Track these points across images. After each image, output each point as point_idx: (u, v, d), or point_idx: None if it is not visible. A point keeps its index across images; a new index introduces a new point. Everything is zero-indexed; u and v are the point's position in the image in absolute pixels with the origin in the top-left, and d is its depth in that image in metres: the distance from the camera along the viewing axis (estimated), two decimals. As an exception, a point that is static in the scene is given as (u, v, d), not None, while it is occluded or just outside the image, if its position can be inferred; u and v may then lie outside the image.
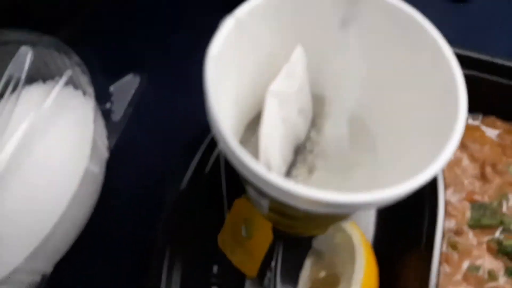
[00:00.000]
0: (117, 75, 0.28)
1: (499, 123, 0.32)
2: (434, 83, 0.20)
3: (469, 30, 0.40)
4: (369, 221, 0.30)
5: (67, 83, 0.31)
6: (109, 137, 0.26)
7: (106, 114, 0.26)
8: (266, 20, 0.21)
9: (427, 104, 0.20)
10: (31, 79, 0.32)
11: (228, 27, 0.19)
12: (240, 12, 0.19)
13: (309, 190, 0.16)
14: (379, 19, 0.21)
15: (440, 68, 0.20)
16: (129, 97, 0.26)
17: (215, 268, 0.29)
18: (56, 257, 0.27)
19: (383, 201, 0.16)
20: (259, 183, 0.17)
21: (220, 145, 0.18)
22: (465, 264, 0.28)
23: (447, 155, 0.17)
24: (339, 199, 0.16)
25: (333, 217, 0.23)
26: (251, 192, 0.23)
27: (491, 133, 0.32)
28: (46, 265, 0.26)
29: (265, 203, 0.22)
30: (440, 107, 0.19)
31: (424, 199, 0.26)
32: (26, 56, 0.30)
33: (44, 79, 0.33)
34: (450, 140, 0.17)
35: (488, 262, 0.28)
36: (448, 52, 0.20)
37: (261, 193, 0.20)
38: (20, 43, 0.30)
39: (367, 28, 0.22)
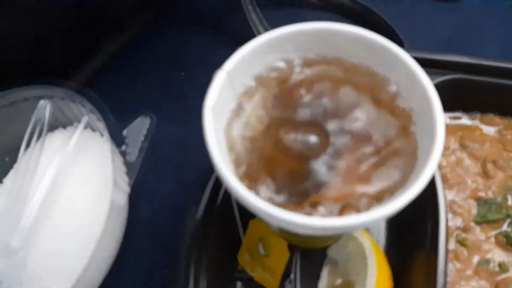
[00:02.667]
0: (128, 118, 0.31)
1: (497, 119, 0.33)
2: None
3: (459, 29, 0.41)
4: (380, 228, 0.31)
5: (85, 127, 0.34)
6: (129, 176, 0.28)
7: (122, 155, 0.28)
8: (251, 66, 0.23)
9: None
10: (52, 127, 0.35)
11: (219, 79, 0.21)
12: (229, 65, 0.22)
13: (305, 219, 0.18)
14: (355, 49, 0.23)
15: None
16: (141, 138, 0.29)
17: (239, 285, 0.31)
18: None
19: (373, 221, 0.18)
20: (261, 215, 0.19)
21: (224, 184, 0.20)
22: (475, 259, 0.29)
23: (422, 183, 0.18)
24: (334, 224, 0.18)
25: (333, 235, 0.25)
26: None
27: (491, 130, 0.33)
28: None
29: (275, 227, 0.24)
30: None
31: (425, 202, 0.27)
32: (45, 109, 0.32)
33: (64, 126, 0.36)
34: (432, 154, 0.19)
35: (498, 255, 0.29)
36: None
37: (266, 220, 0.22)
38: (38, 98, 0.32)
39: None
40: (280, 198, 0.22)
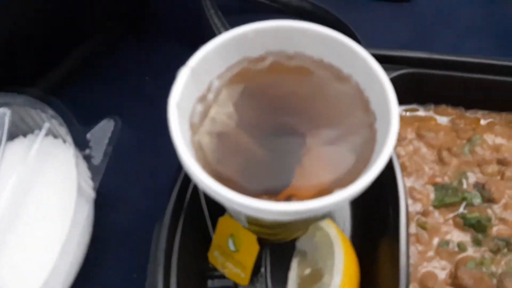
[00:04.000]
0: (92, 122, 0.30)
1: (450, 110, 0.35)
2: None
3: (417, 28, 0.43)
4: (345, 217, 0.32)
5: (46, 134, 0.33)
6: (93, 180, 0.28)
7: (87, 159, 0.28)
8: (215, 64, 0.23)
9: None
10: (12, 136, 0.34)
11: (183, 76, 0.22)
12: (192, 62, 0.22)
13: (266, 204, 0.18)
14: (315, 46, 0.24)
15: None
16: (105, 141, 0.29)
17: (209, 283, 0.31)
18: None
19: (332, 205, 0.19)
20: (223, 201, 0.20)
21: (194, 180, 0.20)
22: (435, 241, 0.30)
23: (379, 166, 0.19)
24: (298, 208, 0.18)
25: (305, 221, 0.25)
26: (229, 210, 0.25)
27: (444, 120, 0.35)
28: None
29: (242, 217, 0.25)
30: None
31: (386, 189, 0.28)
32: (4, 117, 0.32)
33: (24, 134, 0.35)
34: (386, 147, 0.20)
35: (456, 236, 0.31)
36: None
37: (236, 211, 0.23)
38: (-1, 105, 0.32)
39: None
40: (251, 191, 0.22)
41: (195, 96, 0.23)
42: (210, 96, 0.24)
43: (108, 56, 0.41)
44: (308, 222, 0.27)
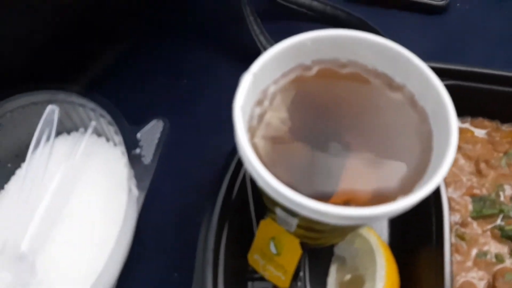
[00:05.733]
0: (138, 122, 0.31)
1: (486, 122, 0.36)
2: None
3: (448, 40, 0.44)
4: (383, 225, 0.33)
5: (92, 133, 0.34)
6: (143, 179, 0.29)
7: (137, 159, 0.29)
8: (273, 70, 0.24)
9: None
10: (56, 133, 0.34)
11: (247, 81, 0.22)
12: (255, 68, 0.23)
13: (337, 208, 0.19)
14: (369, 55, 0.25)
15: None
16: (155, 141, 0.29)
17: (249, 284, 0.31)
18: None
19: (398, 211, 0.19)
20: (292, 206, 0.20)
21: (255, 178, 0.21)
22: (474, 252, 0.31)
23: (443, 172, 0.20)
24: (363, 213, 0.19)
25: (355, 226, 0.26)
26: (279, 213, 0.26)
27: (481, 132, 0.36)
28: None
29: (293, 221, 0.25)
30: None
31: (429, 199, 0.29)
32: (53, 114, 0.32)
33: (68, 131, 0.36)
34: (447, 154, 0.21)
35: (494, 247, 0.31)
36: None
37: (292, 213, 0.23)
38: (47, 102, 0.32)
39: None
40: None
41: (253, 100, 0.24)
42: (266, 100, 0.25)
43: (144, 57, 0.42)
44: (356, 227, 0.28)
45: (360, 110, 0.25)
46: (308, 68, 0.26)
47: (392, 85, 0.25)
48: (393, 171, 0.23)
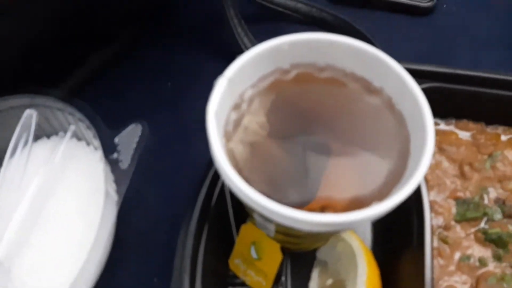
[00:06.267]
0: (118, 126, 0.31)
1: (471, 125, 0.36)
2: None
3: (435, 41, 0.44)
4: (366, 229, 0.33)
5: (71, 137, 0.34)
6: (119, 184, 0.28)
7: (114, 163, 0.28)
8: (249, 74, 0.24)
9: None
10: (35, 137, 0.34)
11: (221, 86, 0.22)
12: (229, 72, 0.22)
13: (311, 215, 0.18)
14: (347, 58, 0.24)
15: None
16: (133, 145, 0.29)
17: (230, 290, 0.31)
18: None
19: (372, 217, 0.19)
20: (266, 213, 0.20)
21: (228, 185, 0.20)
22: (457, 255, 0.30)
23: (419, 177, 0.20)
24: (336, 220, 0.19)
25: (333, 232, 0.26)
26: (257, 218, 0.25)
27: (466, 135, 0.35)
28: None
29: (271, 227, 0.25)
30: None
31: (410, 203, 0.29)
32: (31, 118, 0.32)
33: (48, 136, 0.35)
34: (423, 158, 0.20)
35: (477, 251, 0.31)
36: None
37: (268, 219, 0.23)
38: (25, 107, 0.32)
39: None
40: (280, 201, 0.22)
41: (229, 105, 0.24)
42: (244, 105, 0.24)
43: (128, 60, 0.42)
44: (336, 232, 0.28)
45: (339, 115, 0.25)
46: (286, 72, 0.26)
47: (370, 88, 0.25)
48: (371, 176, 0.23)
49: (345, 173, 0.24)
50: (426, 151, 0.21)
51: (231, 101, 0.24)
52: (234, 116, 0.24)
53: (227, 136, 0.23)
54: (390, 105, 0.24)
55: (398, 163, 0.22)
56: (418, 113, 0.22)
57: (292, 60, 0.25)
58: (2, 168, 0.32)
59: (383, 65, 0.24)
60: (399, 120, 0.23)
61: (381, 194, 0.21)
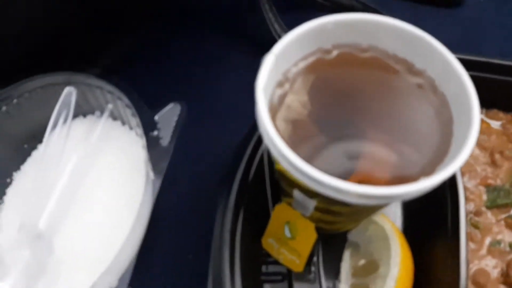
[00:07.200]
0: (156, 106, 0.31)
1: (501, 114, 0.36)
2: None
3: (464, 32, 0.44)
4: (396, 213, 0.33)
5: (108, 116, 0.34)
6: (160, 161, 0.29)
7: (155, 140, 0.29)
8: (294, 52, 0.24)
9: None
10: (74, 115, 0.35)
11: (269, 62, 0.22)
12: (276, 49, 0.23)
13: (358, 187, 0.19)
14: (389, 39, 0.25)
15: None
16: (173, 123, 0.29)
17: (263, 268, 0.32)
18: (121, 272, 0.30)
19: (419, 192, 0.19)
20: (313, 184, 0.20)
21: (275, 156, 0.21)
22: (487, 240, 0.31)
23: (466, 154, 0.20)
24: (384, 192, 0.19)
25: (372, 209, 0.26)
26: (297, 195, 0.26)
27: (495, 124, 0.36)
28: (114, 279, 0.29)
29: (311, 204, 0.25)
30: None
31: (444, 187, 0.29)
32: (71, 96, 0.33)
33: (84, 114, 0.36)
34: (468, 140, 0.21)
35: (508, 236, 0.31)
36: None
37: (310, 194, 0.24)
38: (64, 84, 0.33)
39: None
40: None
41: (275, 81, 0.24)
42: (287, 83, 0.25)
43: (163, 45, 0.43)
44: (372, 211, 0.28)
45: (380, 95, 0.26)
46: (328, 51, 0.26)
47: (412, 70, 0.25)
48: (412, 155, 0.23)
49: (385, 151, 0.24)
50: (471, 133, 0.21)
51: (276, 78, 0.24)
52: (278, 92, 0.24)
53: (272, 113, 0.24)
54: (432, 87, 0.24)
55: (441, 143, 0.23)
56: (463, 95, 0.22)
57: (334, 41, 0.26)
58: (42, 145, 0.32)
59: (426, 46, 0.24)
60: (442, 102, 0.24)
61: (425, 171, 0.22)
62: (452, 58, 0.23)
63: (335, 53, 0.26)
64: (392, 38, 0.25)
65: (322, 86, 0.26)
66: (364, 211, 0.26)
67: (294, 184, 0.24)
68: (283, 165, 0.21)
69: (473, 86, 0.22)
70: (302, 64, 0.26)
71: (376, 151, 0.24)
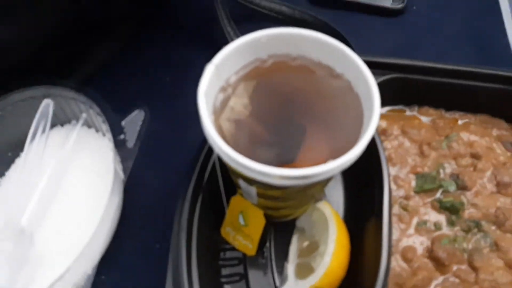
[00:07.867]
0: (124, 112, 0.36)
1: (432, 111, 0.41)
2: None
3: (407, 38, 0.49)
4: (339, 199, 0.37)
5: (83, 125, 0.39)
6: (126, 160, 0.33)
7: (122, 143, 0.33)
8: (233, 62, 0.29)
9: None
10: (51, 125, 0.39)
11: (209, 70, 0.27)
12: (217, 59, 0.27)
13: (279, 170, 0.23)
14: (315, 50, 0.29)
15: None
16: (138, 128, 0.34)
17: (221, 254, 0.36)
18: (95, 260, 0.34)
19: (325, 172, 0.24)
20: (244, 171, 0.25)
21: (216, 151, 0.25)
22: (415, 221, 0.35)
23: (366, 140, 0.25)
24: (299, 173, 0.24)
25: (304, 192, 0.30)
26: (242, 184, 0.30)
27: (426, 119, 0.40)
28: (88, 267, 0.33)
29: (253, 191, 0.30)
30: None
31: (373, 177, 0.34)
32: (49, 107, 0.37)
33: (62, 123, 0.40)
34: (369, 130, 0.25)
35: (433, 217, 0.35)
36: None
37: (249, 181, 0.28)
38: (42, 97, 0.37)
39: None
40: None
41: (217, 87, 0.29)
42: (229, 88, 0.29)
43: (130, 55, 0.47)
44: (308, 196, 0.32)
45: (310, 95, 0.30)
46: (264, 61, 0.31)
47: (333, 74, 0.30)
48: (337, 143, 0.28)
49: (314, 143, 0.29)
50: (371, 124, 0.26)
51: (219, 84, 0.29)
52: (221, 96, 0.29)
53: (216, 114, 0.28)
54: (349, 88, 0.29)
55: (355, 133, 0.27)
56: (369, 94, 0.27)
57: (269, 51, 0.30)
58: (24, 152, 0.37)
59: (344, 55, 0.29)
60: (356, 99, 0.28)
61: (339, 155, 0.26)
62: (362, 64, 0.28)
63: (270, 62, 0.31)
64: (315, 48, 0.30)
65: (261, 90, 0.31)
66: (298, 195, 0.31)
67: (236, 174, 0.28)
68: (222, 157, 0.26)
69: (377, 87, 0.27)
70: (242, 72, 0.30)
71: (310, 144, 0.29)
